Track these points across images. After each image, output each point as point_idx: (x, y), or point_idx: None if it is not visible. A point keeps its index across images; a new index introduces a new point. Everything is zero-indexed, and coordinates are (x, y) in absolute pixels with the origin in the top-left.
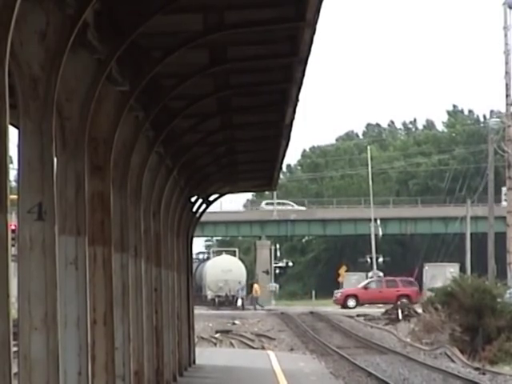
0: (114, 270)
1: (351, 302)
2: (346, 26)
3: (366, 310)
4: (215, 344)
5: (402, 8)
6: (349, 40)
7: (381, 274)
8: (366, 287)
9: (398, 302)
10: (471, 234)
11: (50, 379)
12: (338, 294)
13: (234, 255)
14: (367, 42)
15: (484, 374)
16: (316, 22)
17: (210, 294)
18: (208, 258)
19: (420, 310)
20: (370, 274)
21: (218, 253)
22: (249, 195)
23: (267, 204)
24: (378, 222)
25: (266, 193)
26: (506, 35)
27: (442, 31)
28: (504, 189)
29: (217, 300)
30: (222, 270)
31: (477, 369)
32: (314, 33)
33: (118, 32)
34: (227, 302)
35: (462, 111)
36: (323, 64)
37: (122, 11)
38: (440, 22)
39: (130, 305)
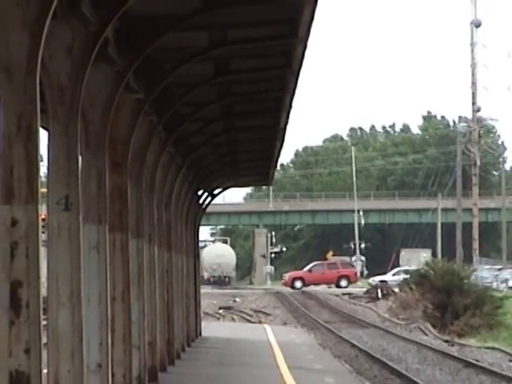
0: (130, 254)
1: (298, 284)
2: (329, 37)
3: (350, 289)
4: (218, 319)
5: (381, 20)
6: (332, 53)
7: (363, 258)
8: (310, 270)
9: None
10: (442, 224)
11: (75, 349)
12: (285, 276)
13: (226, 243)
14: (351, 55)
15: (453, 345)
16: (307, 39)
17: (206, 275)
18: (205, 246)
19: (397, 290)
20: (353, 258)
21: (214, 241)
22: (248, 189)
23: None
24: (361, 212)
25: (263, 187)
26: (472, 50)
27: (418, 46)
28: None
29: (212, 280)
30: (216, 255)
31: (446, 341)
32: (305, 48)
33: (134, 47)
34: (220, 281)
35: (435, 116)
36: (312, 73)
37: (138, 29)
38: (416, 37)
39: (144, 284)
